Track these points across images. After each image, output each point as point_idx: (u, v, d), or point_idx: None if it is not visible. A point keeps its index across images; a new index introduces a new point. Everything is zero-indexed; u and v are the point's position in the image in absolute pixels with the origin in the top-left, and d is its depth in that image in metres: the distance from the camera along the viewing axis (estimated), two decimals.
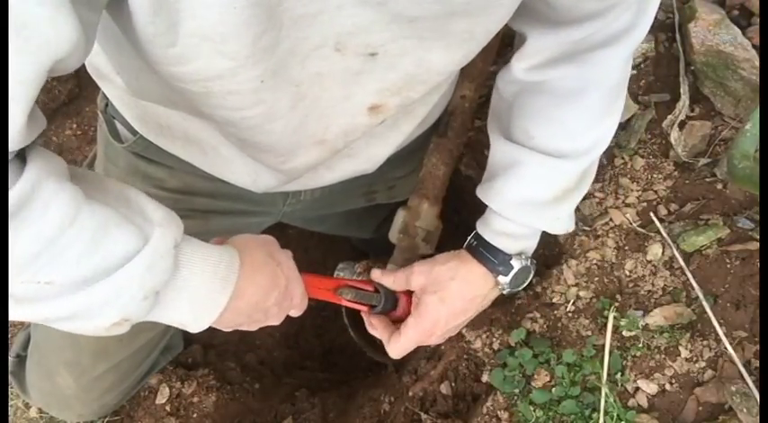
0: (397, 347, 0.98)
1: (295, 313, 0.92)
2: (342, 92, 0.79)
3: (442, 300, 0.96)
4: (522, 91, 0.91)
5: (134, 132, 1.03)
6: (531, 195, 0.92)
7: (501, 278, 0.96)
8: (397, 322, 1.00)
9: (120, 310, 0.65)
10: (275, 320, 0.88)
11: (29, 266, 0.58)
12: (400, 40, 0.72)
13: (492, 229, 0.95)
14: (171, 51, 0.62)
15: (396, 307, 1.00)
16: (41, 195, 0.57)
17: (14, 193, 0.54)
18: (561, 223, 0.96)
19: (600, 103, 0.89)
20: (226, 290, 0.75)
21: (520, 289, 0.99)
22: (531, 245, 0.98)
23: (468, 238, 0.98)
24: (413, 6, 0.67)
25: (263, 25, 0.62)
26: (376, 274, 1.00)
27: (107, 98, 1.05)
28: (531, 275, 0.99)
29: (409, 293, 1.00)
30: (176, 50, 0.62)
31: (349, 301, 0.97)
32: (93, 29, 0.58)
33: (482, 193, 0.96)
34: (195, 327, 0.77)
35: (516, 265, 0.95)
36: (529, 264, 0.96)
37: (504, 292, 0.98)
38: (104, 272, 0.62)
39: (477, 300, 0.98)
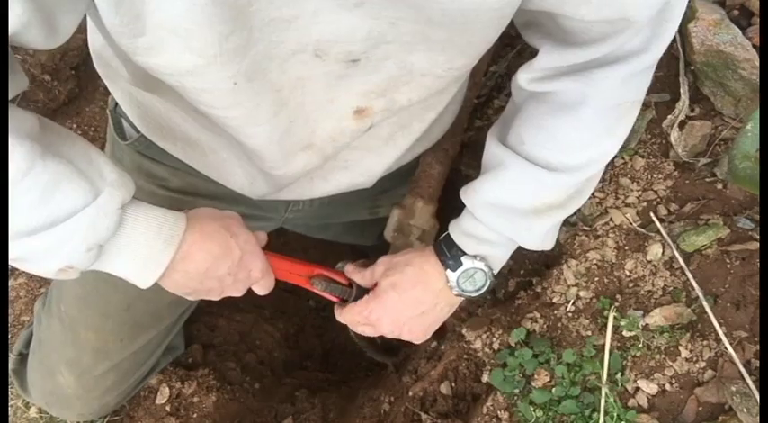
0: (344, 314, 1.00)
1: (259, 290, 0.93)
2: (325, 96, 0.79)
3: (395, 285, 0.95)
4: (528, 99, 0.90)
5: (138, 131, 1.04)
6: (506, 199, 0.89)
7: (449, 273, 0.94)
8: None
9: (64, 258, 0.70)
10: (234, 291, 0.90)
11: None
12: (382, 45, 0.73)
13: (460, 227, 0.94)
14: (140, 41, 0.65)
15: None
16: None
17: None
18: (533, 237, 0.93)
19: (597, 120, 0.86)
20: (168, 250, 0.78)
21: (473, 295, 0.96)
22: (494, 253, 0.95)
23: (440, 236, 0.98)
24: (389, 7, 0.67)
25: (228, 25, 0.64)
26: (348, 269, 1.01)
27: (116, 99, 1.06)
28: (487, 283, 0.95)
29: None
30: (145, 40, 0.65)
31: (320, 291, 1.00)
32: (70, 15, 0.63)
33: (462, 191, 0.95)
34: (141, 282, 0.80)
35: (467, 263, 0.93)
36: (483, 268, 0.94)
37: (455, 292, 0.96)
38: (51, 223, 0.67)
39: (430, 293, 0.96)
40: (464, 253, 0.94)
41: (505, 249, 0.96)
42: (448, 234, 0.96)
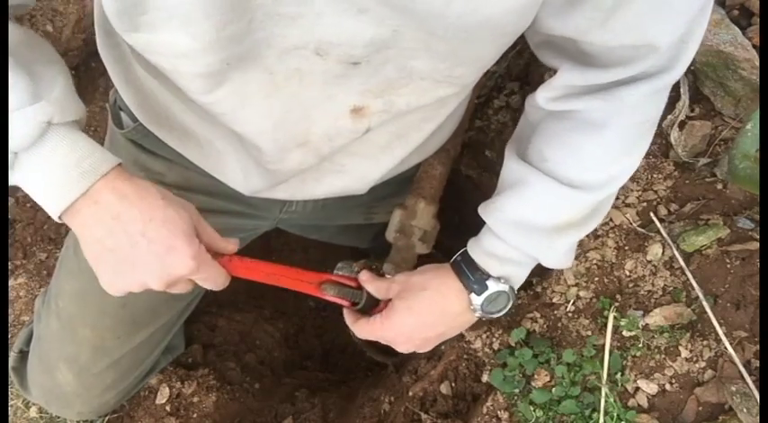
0: (359, 328, 0.99)
1: (208, 285, 0.82)
2: (323, 92, 0.79)
3: (410, 308, 0.94)
4: (547, 117, 0.89)
5: (135, 120, 1.04)
6: (529, 217, 0.88)
7: (473, 297, 0.92)
8: None
9: None
10: (148, 272, 0.77)
11: None
12: (384, 50, 0.73)
13: (482, 247, 0.93)
14: (142, 19, 0.66)
15: (378, 304, 1.00)
16: None
17: None
18: (555, 255, 0.92)
19: (621, 138, 0.85)
20: (80, 184, 0.73)
21: (494, 316, 0.95)
22: (517, 273, 0.94)
23: (457, 253, 0.96)
24: (394, 16, 0.68)
25: (227, 14, 0.65)
26: (363, 277, 1.00)
27: (117, 92, 1.06)
28: (509, 303, 0.94)
29: None
30: (147, 18, 0.66)
31: (332, 296, 0.98)
32: None
33: (482, 208, 0.93)
34: (50, 210, 0.75)
35: (492, 287, 0.92)
36: (507, 290, 0.92)
37: (477, 315, 0.94)
38: None
39: (448, 317, 0.95)
40: (489, 276, 0.92)
41: (527, 268, 0.95)
42: (466, 253, 0.95)
